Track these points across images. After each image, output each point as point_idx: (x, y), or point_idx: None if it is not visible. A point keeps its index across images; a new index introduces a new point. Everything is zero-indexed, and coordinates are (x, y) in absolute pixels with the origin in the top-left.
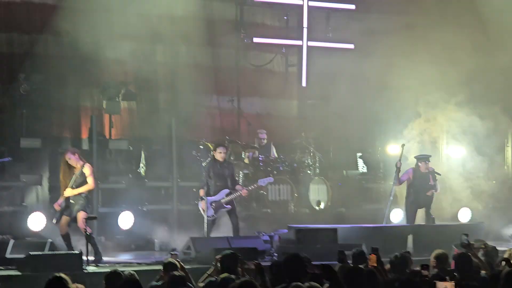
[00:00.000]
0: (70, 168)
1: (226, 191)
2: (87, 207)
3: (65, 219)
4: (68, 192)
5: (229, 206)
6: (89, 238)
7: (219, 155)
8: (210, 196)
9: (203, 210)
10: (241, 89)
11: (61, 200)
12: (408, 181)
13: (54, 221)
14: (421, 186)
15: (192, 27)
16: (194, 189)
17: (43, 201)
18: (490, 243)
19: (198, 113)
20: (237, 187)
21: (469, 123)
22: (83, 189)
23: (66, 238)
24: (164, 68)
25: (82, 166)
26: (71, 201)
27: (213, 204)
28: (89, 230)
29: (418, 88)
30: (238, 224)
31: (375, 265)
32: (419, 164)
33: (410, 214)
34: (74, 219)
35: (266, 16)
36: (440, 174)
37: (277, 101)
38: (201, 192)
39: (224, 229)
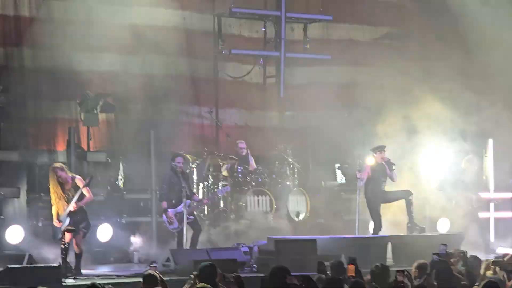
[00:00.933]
0: (62, 184)
1: (187, 202)
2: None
3: (78, 237)
4: (72, 207)
5: (192, 217)
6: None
7: (178, 165)
8: (172, 208)
9: (169, 223)
10: (219, 100)
11: (61, 217)
12: (368, 176)
13: (59, 236)
14: (378, 179)
15: (171, 38)
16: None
17: (21, 214)
18: (470, 253)
19: (177, 124)
20: (194, 197)
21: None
22: (84, 202)
23: (79, 257)
24: (143, 80)
25: (73, 180)
26: (77, 216)
27: (177, 216)
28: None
29: (397, 98)
30: (199, 233)
31: (354, 275)
32: (375, 155)
33: (374, 211)
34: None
35: (244, 27)
36: (395, 164)
37: (256, 112)
38: (164, 205)
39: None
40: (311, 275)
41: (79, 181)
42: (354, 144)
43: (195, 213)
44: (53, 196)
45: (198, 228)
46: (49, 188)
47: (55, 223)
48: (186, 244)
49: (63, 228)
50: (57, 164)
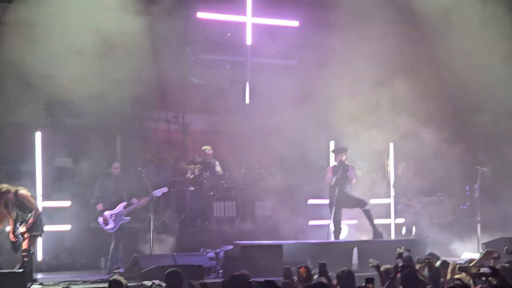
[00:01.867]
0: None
1: (124, 203)
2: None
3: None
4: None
5: (128, 218)
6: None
7: (115, 170)
8: (109, 210)
9: (105, 224)
10: (186, 105)
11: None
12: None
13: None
14: (339, 181)
15: (138, 43)
16: (139, 207)
17: None
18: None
19: (143, 129)
20: (133, 200)
21: (413, 138)
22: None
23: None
24: (110, 84)
25: (16, 194)
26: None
27: (113, 217)
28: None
29: (363, 103)
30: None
31: (304, 277)
32: (335, 156)
33: (335, 213)
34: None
35: (210, 32)
36: (352, 166)
37: (223, 118)
38: (100, 207)
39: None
40: (277, 280)
41: (25, 199)
42: (320, 149)
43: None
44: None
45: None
46: None
47: (12, 238)
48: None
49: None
50: (3, 189)
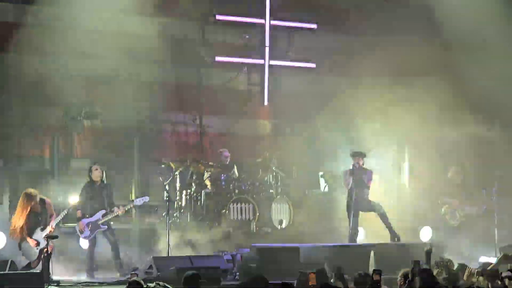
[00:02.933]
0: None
1: (103, 211)
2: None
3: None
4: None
5: (105, 226)
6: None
7: (96, 172)
8: (86, 217)
9: (81, 232)
10: (203, 107)
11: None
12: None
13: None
14: (358, 185)
15: (155, 45)
16: (156, 208)
17: (3, 221)
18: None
19: (160, 132)
20: (115, 209)
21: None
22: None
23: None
24: (127, 87)
25: (43, 204)
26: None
27: (90, 225)
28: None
29: (381, 108)
30: (117, 241)
31: (314, 283)
32: (353, 160)
33: (352, 217)
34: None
35: (228, 34)
36: (370, 170)
37: (240, 120)
38: (78, 213)
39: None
40: (293, 283)
41: (49, 206)
42: (338, 153)
43: (111, 223)
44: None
45: (114, 241)
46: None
47: (32, 242)
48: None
49: (44, 235)
50: (32, 192)
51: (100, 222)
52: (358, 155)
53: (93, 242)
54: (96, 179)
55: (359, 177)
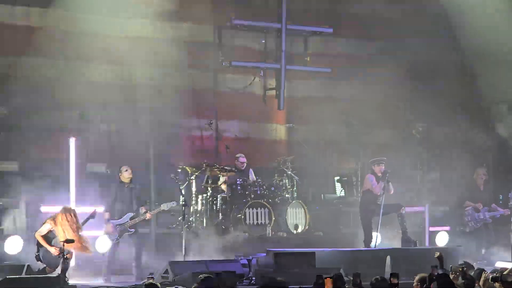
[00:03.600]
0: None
1: (130, 214)
2: None
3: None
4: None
5: (132, 230)
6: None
7: (126, 174)
8: (115, 219)
9: (108, 234)
10: (219, 112)
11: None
12: (366, 189)
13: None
14: (383, 189)
15: (171, 50)
16: (172, 213)
17: (20, 225)
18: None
19: (176, 136)
20: (142, 209)
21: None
22: None
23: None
24: (143, 91)
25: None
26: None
27: (118, 228)
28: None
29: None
30: (142, 247)
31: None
32: (373, 167)
33: (366, 223)
34: None
35: (244, 38)
36: (389, 172)
37: (255, 124)
38: (106, 215)
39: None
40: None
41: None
42: (353, 157)
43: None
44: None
45: (139, 245)
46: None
47: (54, 250)
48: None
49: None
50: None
51: (128, 225)
52: (381, 161)
53: (116, 245)
54: (126, 180)
55: (385, 184)
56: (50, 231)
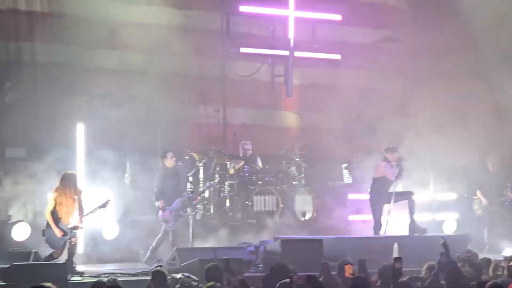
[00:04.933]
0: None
1: (180, 199)
2: None
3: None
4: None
5: (185, 214)
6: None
7: (170, 160)
8: (167, 206)
9: (166, 221)
10: (227, 99)
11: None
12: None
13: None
14: (388, 179)
15: (179, 37)
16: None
17: (28, 212)
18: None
19: (183, 123)
20: (184, 194)
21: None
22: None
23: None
24: (150, 78)
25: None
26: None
27: (172, 213)
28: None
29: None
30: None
31: (352, 274)
32: (386, 155)
33: (377, 210)
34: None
35: (252, 26)
36: (405, 160)
37: (263, 111)
38: (161, 204)
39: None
40: (317, 275)
41: (80, 195)
42: (361, 145)
43: (188, 210)
44: (60, 203)
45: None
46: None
47: (58, 231)
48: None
49: (70, 227)
50: (73, 173)
51: (180, 210)
52: (395, 149)
53: (166, 232)
54: (170, 166)
55: (399, 171)
56: (55, 205)
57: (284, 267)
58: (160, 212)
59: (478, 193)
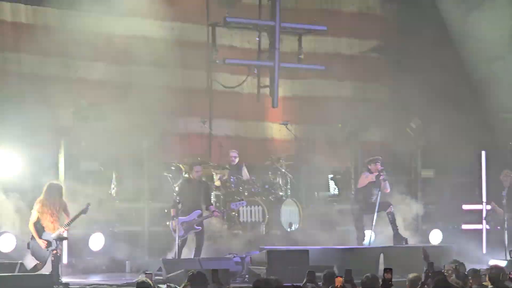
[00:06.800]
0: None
1: (198, 212)
2: None
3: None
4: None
5: (199, 228)
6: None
7: (196, 174)
8: (181, 216)
9: (174, 230)
10: (212, 110)
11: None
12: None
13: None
14: (371, 191)
15: (164, 49)
16: (165, 210)
17: (13, 223)
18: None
19: (169, 134)
20: (211, 207)
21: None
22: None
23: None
24: (136, 90)
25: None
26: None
27: (184, 225)
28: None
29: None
30: (202, 245)
31: (341, 285)
32: (369, 167)
33: (359, 221)
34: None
35: (235, 38)
36: (385, 173)
37: (249, 123)
38: (173, 212)
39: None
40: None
41: (65, 206)
42: (347, 155)
43: (203, 224)
44: (43, 213)
45: (200, 244)
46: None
47: (42, 243)
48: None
49: (54, 236)
50: (58, 184)
51: (195, 223)
52: (377, 160)
53: (183, 242)
54: (195, 177)
55: (375, 184)
56: (38, 218)
57: (268, 281)
58: (171, 221)
59: (493, 204)
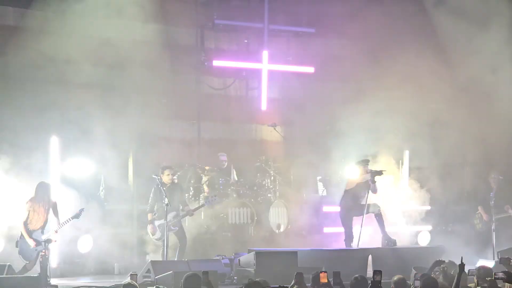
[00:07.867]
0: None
1: (173, 213)
2: None
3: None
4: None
5: (176, 228)
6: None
7: (167, 177)
8: (157, 220)
9: (151, 234)
10: (201, 113)
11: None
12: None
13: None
14: (359, 192)
15: (152, 52)
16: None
17: (1, 225)
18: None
19: (158, 137)
20: (185, 208)
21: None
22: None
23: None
24: (124, 92)
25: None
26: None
27: (161, 227)
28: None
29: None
30: (185, 245)
31: (326, 281)
32: (359, 168)
33: (347, 222)
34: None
35: (222, 41)
36: (381, 173)
37: (237, 125)
38: (149, 216)
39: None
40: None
41: (55, 206)
42: (335, 157)
43: (181, 224)
44: (33, 211)
45: (182, 240)
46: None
47: (31, 242)
48: (175, 255)
49: (44, 238)
50: (49, 184)
51: (171, 224)
52: (364, 163)
53: (166, 244)
54: (167, 182)
55: (364, 186)
56: (28, 215)
57: (257, 283)
58: (148, 225)
59: (480, 208)
